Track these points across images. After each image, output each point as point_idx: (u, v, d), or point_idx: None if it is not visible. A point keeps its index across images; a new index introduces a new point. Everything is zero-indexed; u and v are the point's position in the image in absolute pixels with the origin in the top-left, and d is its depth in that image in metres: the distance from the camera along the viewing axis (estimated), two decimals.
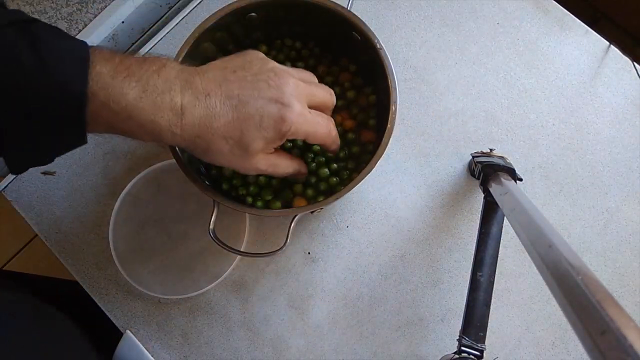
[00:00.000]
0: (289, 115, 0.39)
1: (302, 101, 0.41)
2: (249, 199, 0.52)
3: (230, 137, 0.38)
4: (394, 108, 0.48)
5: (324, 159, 0.53)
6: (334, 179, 0.52)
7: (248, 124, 0.38)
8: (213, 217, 0.48)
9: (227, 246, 0.48)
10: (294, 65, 0.56)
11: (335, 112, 0.54)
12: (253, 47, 0.56)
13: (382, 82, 0.50)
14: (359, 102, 0.56)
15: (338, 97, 0.55)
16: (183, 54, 0.49)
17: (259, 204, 0.52)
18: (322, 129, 0.43)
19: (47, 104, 0.31)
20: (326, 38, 0.56)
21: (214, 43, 0.52)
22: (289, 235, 0.48)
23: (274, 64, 0.42)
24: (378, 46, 0.49)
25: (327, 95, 0.45)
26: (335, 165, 0.53)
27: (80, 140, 0.35)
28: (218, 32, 0.52)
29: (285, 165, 0.45)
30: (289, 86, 0.40)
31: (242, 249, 0.57)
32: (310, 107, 0.42)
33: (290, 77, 0.41)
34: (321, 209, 0.50)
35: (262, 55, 0.42)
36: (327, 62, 0.58)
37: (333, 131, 0.45)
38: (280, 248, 0.48)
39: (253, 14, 0.52)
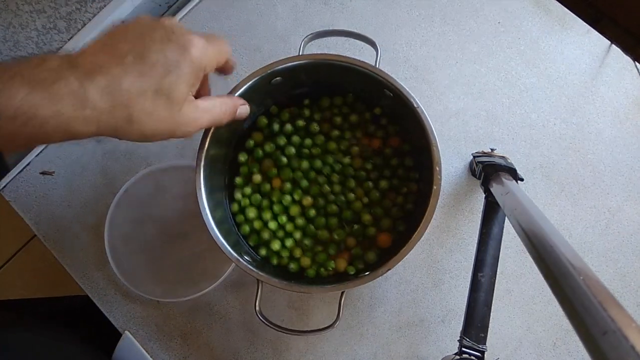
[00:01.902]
0: (191, 44, 0.36)
1: (195, 35, 0.38)
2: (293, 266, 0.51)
3: (148, 89, 0.34)
4: (438, 169, 0.46)
5: (371, 180, 0.53)
6: (399, 196, 0.52)
7: (157, 69, 0.34)
8: (258, 297, 0.46)
9: (280, 327, 0.46)
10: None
11: (359, 138, 0.54)
12: (278, 105, 0.55)
13: (422, 141, 0.48)
14: (368, 119, 0.55)
15: (352, 126, 0.55)
16: None
17: (311, 272, 0.50)
18: (225, 46, 0.40)
19: None
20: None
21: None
22: (341, 309, 0.46)
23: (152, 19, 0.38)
24: (415, 105, 0.48)
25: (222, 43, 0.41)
26: (387, 172, 0.53)
27: None
28: (246, 95, 0.50)
29: (218, 105, 0.41)
30: (176, 26, 0.37)
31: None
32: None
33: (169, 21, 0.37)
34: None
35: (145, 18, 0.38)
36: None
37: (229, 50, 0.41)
38: (332, 324, 0.46)
39: (279, 78, 0.51)
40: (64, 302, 0.76)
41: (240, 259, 0.46)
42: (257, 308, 0.46)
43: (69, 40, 0.64)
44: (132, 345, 0.56)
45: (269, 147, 0.53)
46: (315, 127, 0.54)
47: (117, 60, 0.33)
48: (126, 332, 0.57)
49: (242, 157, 0.53)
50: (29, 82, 0.30)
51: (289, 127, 0.54)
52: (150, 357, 0.56)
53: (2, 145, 0.31)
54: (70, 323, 0.64)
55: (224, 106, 0.42)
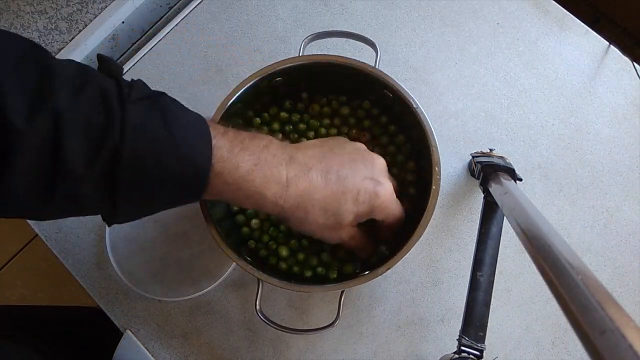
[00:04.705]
0: (382, 192, 0.42)
1: (390, 182, 0.44)
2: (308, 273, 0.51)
3: (328, 209, 0.40)
4: (437, 169, 0.46)
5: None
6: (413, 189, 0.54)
7: (346, 197, 0.40)
8: (259, 296, 0.47)
9: (280, 326, 0.47)
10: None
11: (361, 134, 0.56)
12: (278, 104, 0.55)
13: (421, 141, 0.48)
14: (363, 117, 0.56)
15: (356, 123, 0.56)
16: (219, 117, 0.48)
17: (308, 273, 0.51)
18: (400, 214, 0.46)
19: (173, 174, 0.33)
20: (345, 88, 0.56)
21: (242, 104, 0.51)
22: (341, 309, 0.47)
23: (361, 145, 0.46)
24: (414, 106, 0.48)
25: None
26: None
27: (188, 202, 0.37)
28: (247, 95, 0.51)
29: (360, 238, 0.46)
30: (380, 166, 0.44)
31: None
32: None
33: (378, 158, 0.45)
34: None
35: (347, 139, 0.47)
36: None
37: (402, 218, 0.47)
38: (332, 323, 0.47)
39: (279, 78, 0.51)
40: (59, 312, 0.75)
41: (241, 259, 0.46)
42: (258, 307, 0.47)
43: (70, 41, 0.64)
44: (133, 344, 0.57)
45: None
46: (315, 123, 0.55)
47: (323, 173, 0.40)
48: (127, 331, 0.57)
49: None
50: (254, 162, 0.37)
51: (289, 127, 0.54)
52: (152, 356, 0.56)
53: (206, 193, 0.36)
54: (61, 336, 0.64)
55: (362, 242, 0.47)
